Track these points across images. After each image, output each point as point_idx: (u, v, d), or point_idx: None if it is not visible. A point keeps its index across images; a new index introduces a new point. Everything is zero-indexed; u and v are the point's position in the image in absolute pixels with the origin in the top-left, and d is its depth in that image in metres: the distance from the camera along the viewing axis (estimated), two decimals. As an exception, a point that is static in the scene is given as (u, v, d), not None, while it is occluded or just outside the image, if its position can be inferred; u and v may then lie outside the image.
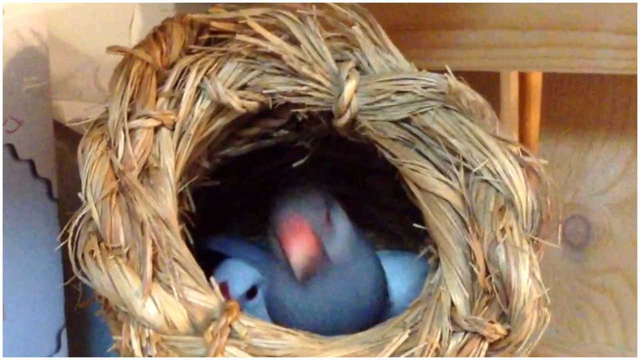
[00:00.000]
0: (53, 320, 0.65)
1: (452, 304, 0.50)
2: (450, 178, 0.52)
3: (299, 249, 0.52)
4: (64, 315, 0.66)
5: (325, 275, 0.55)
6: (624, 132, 0.69)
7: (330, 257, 0.55)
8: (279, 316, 0.57)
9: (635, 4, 0.58)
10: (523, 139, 0.80)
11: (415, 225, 0.54)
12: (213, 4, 0.57)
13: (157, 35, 0.56)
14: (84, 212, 0.51)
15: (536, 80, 0.77)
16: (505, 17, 0.64)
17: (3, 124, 0.60)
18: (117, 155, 0.52)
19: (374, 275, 0.59)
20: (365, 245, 0.60)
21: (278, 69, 0.56)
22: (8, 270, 0.62)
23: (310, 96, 0.56)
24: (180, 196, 0.56)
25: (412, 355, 0.49)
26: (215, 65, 0.56)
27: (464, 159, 0.52)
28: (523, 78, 0.79)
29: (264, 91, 0.56)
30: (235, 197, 0.71)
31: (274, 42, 0.55)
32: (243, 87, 0.56)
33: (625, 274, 0.70)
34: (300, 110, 0.57)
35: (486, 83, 0.74)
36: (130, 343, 0.50)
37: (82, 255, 0.50)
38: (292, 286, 0.56)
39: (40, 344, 0.65)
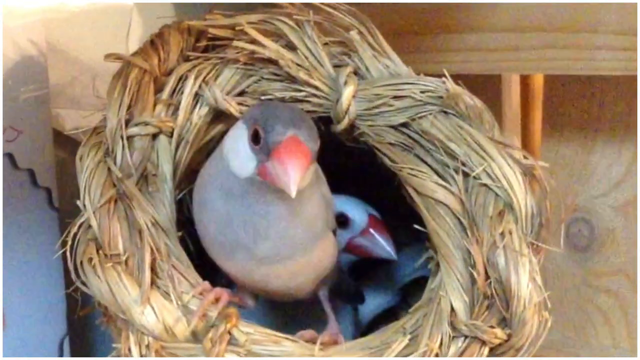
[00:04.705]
0: (55, 329, 0.65)
1: (452, 309, 0.50)
2: (449, 182, 0.52)
3: (298, 168, 0.47)
4: (66, 323, 0.66)
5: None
6: (626, 133, 0.68)
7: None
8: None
9: (635, 4, 0.58)
10: (526, 141, 0.79)
11: (416, 227, 0.54)
12: (210, 11, 0.57)
13: (155, 42, 0.56)
14: (82, 220, 0.51)
15: (538, 83, 0.77)
16: (505, 20, 0.64)
17: (2, 133, 0.60)
18: (115, 163, 0.52)
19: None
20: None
21: (276, 74, 0.56)
22: (10, 279, 0.63)
23: (308, 102, 0.56)
24: (180, 203, 0.56)
25: (412, 360, 0.49)
26: (213, 71, 0.56)
27: (462, 163, 0.52)
28: (525, 81, 0.78)
29: (262, 97, 0.56)
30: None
31: (272, 48, 0.55)
32: (241, 93, 0.56)
33: (630, 276, 0.70)
34: (298, 115, 0.57)
35: (488, 86, 0.74)
36: (129, 350, 0.50)
37: (81, 263, 0.50)
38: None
39: (42, 352, 0.65)
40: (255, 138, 0.48)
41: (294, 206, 0.50)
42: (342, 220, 0.63)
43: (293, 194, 0.46)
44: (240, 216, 0.50)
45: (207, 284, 0.51)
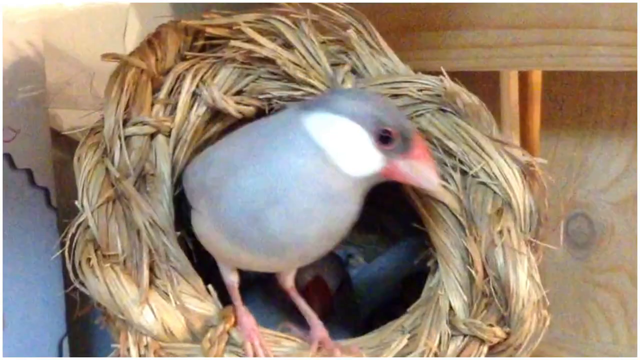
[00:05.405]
0: (54, 329, 0.65)
1: (451, 308, 0.50)
2: (447, 181, 0.52)
3: (434, 165, 0.48)
4: (65, 323, 0.66)
5: None
6: (625, 129, 0.68)
7: None
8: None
9: (634, 2, 0.58)
10: (524, 138, 0.79)
11: (415, 225, 0.54)
12: (208, 10, 0.57)
13: (152, 41, 0.56)
14: (80, 220, 0.51)
15: (536, 79, 0.77)
16: (503, 16, 0.64)
17: (0, 133, 0.60)
18: (113, 163, 0.52)
19: None
20: None
21: (273, 74, 0.56)
22: (9, 279, 0.62)
23: (306, 101, 0.56)
24: (178, 202, 0.56)
25: (411, 359, 0.49)
26: (211, 71, 0.56)
27: (460, 161, 0.52)
28: (523, 77, 0.78)
29: (260, 96, 0.56)
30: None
31: (269, 47, 0.55)
32: (239, 92, 0.56)
33: (629, 272, 0.70)
34: (297, 114, 0.57)
35: (486, 83, 0.74)
36: (128, 350, 0.50)
37: (79, 264, 0.50)
38: None
39: (41, 352, 0.65)
40: (384, 138, 0.47)
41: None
42: None
43: (440, 189, 0.49)
44: (325, 215, 0.47)
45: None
